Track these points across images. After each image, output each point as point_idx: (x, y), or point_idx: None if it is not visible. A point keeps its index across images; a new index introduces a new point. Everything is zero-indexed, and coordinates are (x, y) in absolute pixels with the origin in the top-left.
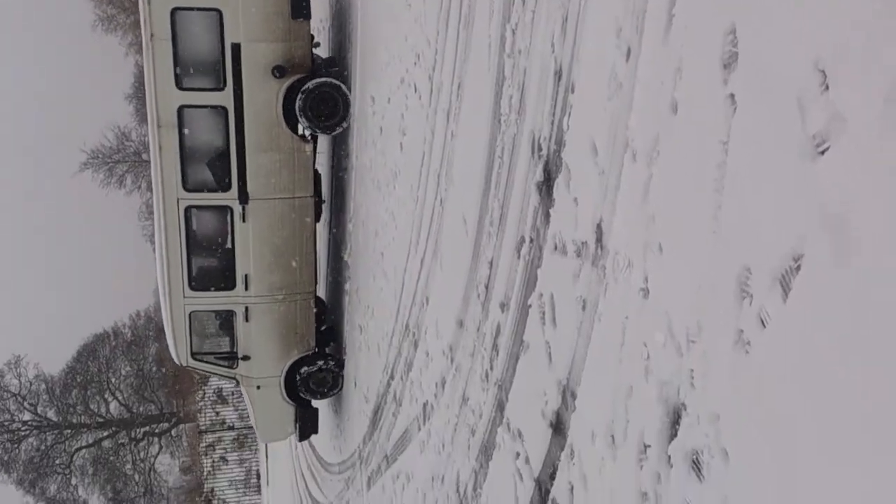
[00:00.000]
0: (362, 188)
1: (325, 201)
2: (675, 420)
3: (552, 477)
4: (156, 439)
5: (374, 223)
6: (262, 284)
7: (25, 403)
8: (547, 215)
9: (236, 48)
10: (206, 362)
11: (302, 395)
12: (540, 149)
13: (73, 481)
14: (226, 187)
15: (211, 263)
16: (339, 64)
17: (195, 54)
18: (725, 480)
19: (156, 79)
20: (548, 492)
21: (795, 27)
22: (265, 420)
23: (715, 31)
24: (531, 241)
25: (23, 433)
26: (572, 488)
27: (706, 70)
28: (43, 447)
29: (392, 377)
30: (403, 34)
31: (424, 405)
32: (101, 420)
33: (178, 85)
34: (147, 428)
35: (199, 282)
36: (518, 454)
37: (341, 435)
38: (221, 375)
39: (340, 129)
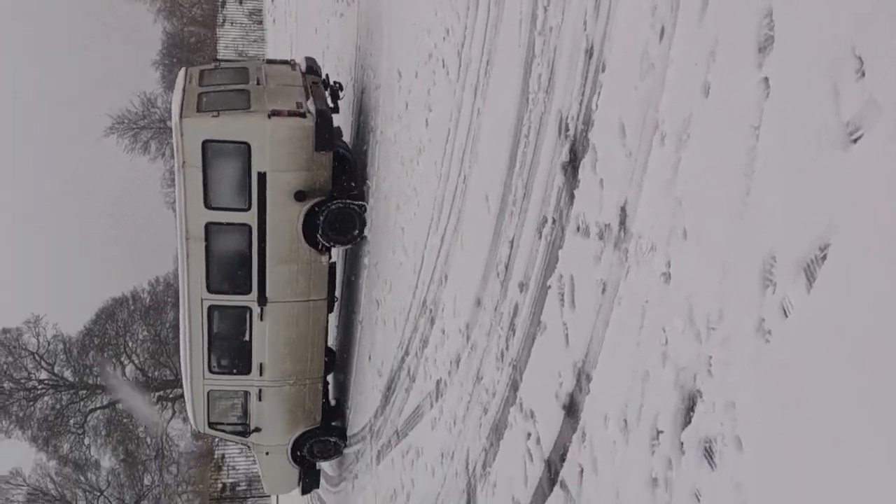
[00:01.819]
0: (386, 162)
1: (338, 299)
2: (690, 407)
3: (563, 459)
4: (169, 404)
5: (397, 198)
6: (276, 371)
7: (43, 363)
8: (571, 196)
9: (262, 176)
10: (221, 430)
11: (306, 459)
12: (567, 129)
13: (87, 441)
14: (246, 291)
15: (229, 352)
16: (356, 184)
17: (223, 179)
18: (738, 469)
19: (186, 198)
20: (557, 473)
21: (833, 12)
22: (271, 477)
23: (751, 14)
24: (554, 221)
25: (39, 392)
26: (582, 471)
27: (741, 53)
28: (58, 406)
29: (407, 353)
30: (433, 8)
31: (438, 382)
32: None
33: (207, 204)
34: (161, 392)
35: (218, 367)
36: (529, 434)
37: (353, 409)
38: (234, 442)
39: (356, 243)
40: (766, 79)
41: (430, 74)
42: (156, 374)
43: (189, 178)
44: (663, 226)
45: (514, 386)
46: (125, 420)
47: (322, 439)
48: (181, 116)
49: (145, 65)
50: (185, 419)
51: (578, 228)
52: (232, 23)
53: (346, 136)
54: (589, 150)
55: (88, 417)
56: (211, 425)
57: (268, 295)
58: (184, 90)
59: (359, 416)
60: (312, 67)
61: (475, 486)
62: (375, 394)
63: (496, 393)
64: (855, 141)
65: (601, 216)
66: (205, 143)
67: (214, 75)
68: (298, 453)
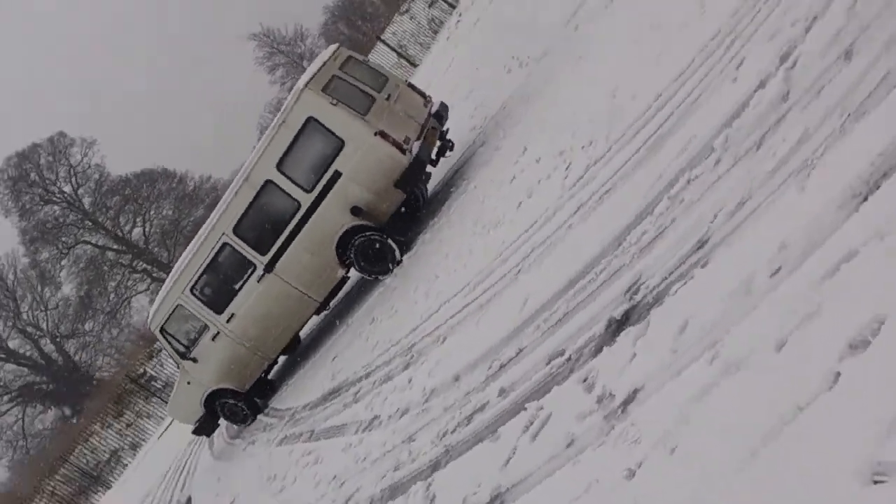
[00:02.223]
0: (460, 213)
1: (329, 308)
2: None
3: None
4: (149, 280)
5: (450, 248)
6: (240, 328)
7: (73, 179)
8: (599, 349)
9: (337, 175)
10: (167, 340)
11: (214, 408)
12: (636, 293)
13: (63, 262)
14: (263, 252)
15: (216, 288)
16: (409, 233)
17: (305, 156)
18: None
19: (266, 150)
20: None
21: None
22: (178, 404)
23: (865, 309)
24: (568, 359)
25: (54, 198)
26: None
27: (833, 336)
28: (61, 220)
29: (367, 376)
30: (590, 114)
31: (374, 418)
32: (119, 235)
33: (278, 166)
34: (148, 267)
35: (199, 291)
36: None
37: (289, 388)
38: (169, 355)
39: (377, 279)
40: (838, 374)
41: (550, 168)
42: (155, 249)
43: (279, 136)
44: (659, 431)
45: (435, 466)
46: (105, 268)
47: (237, 405)
48: (306, 85)
49: (317, 6)
50: (152, 301)
51: (585, 380)
52: (412, 17)
53: (439, 174)
54: (641, 323)
55: (78, 245)
56: (161, 330)
57: (276, 266)
58: (324, 63)
59: (291, 397)
60: (441, 114)
61: None
62: (317, 391)
63: (416, 460)
64: (875, 483)
65: (612, 384)
66: (309, 119)
67: (357, 68)
68: (211, 402)
